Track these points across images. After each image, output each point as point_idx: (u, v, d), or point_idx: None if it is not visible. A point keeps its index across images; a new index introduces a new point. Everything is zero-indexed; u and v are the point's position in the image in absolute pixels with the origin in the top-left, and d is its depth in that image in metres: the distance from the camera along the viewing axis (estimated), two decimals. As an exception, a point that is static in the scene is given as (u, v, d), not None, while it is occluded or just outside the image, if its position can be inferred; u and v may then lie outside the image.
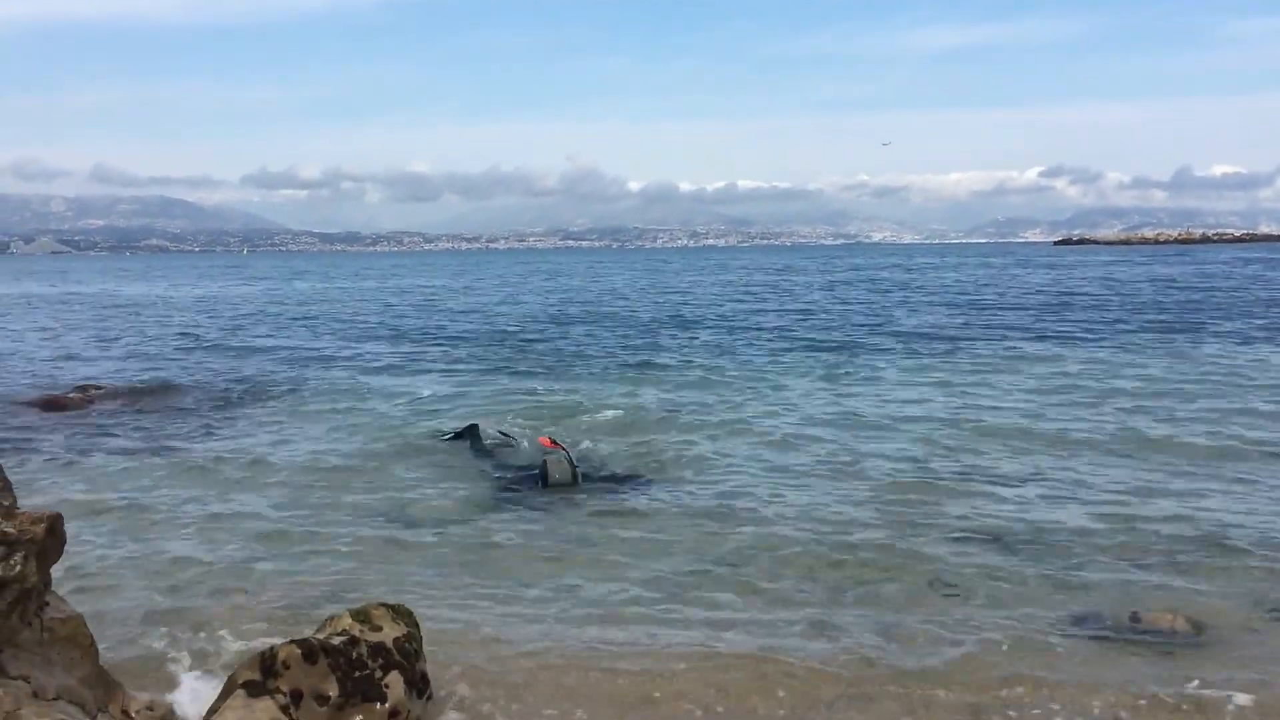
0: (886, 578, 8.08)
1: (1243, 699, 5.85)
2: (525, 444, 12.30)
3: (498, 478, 11.21)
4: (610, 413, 15.29)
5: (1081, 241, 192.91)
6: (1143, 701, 5.88)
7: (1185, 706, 5.83)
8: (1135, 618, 7.16)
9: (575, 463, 10.86)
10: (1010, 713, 5.83)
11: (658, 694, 6.04)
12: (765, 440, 13.02)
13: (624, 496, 10.45)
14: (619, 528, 9.38)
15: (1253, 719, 5.69)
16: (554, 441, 11.39)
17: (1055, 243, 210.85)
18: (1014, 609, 7.40)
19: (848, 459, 11.97)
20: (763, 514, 9.77)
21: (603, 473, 11.33)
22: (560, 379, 19.32)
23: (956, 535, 9.10)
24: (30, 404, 17.00)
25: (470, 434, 12.86)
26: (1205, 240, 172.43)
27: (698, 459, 12.06)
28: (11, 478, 5.36)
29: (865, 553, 8.66)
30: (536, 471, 10.81)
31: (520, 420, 14.64)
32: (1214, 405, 14.96)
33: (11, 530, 4.94)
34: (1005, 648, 6.73)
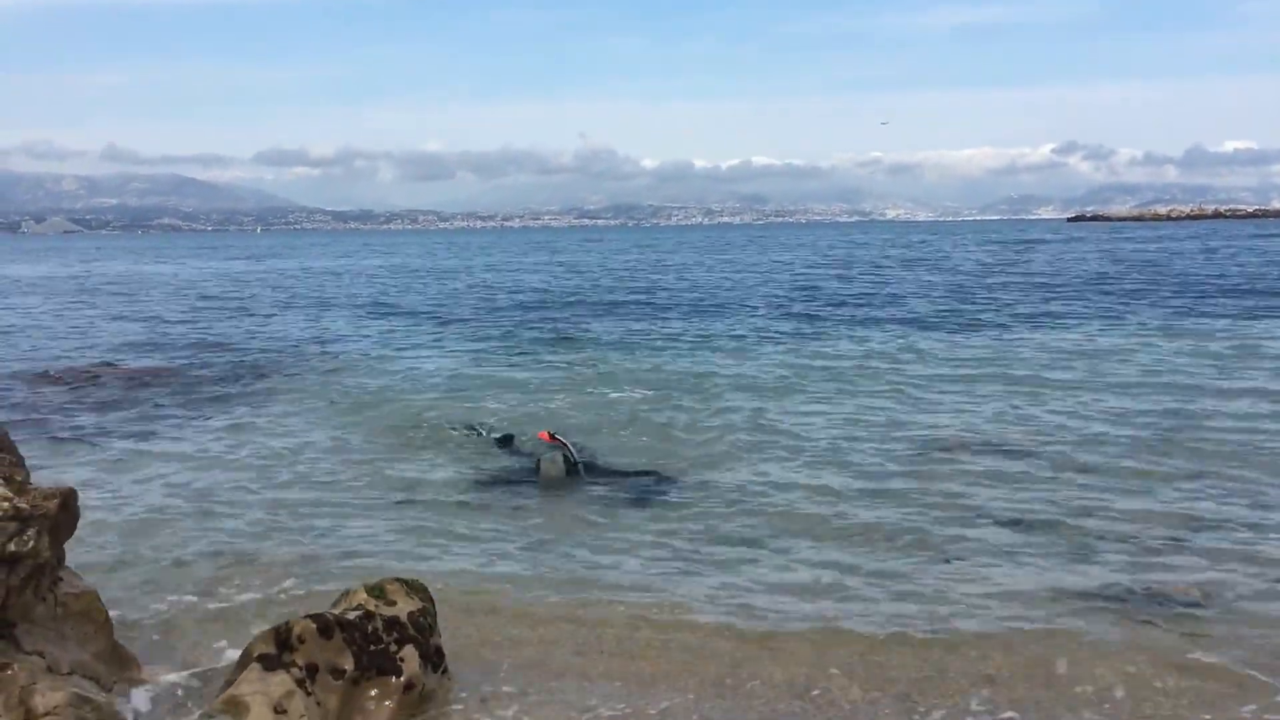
0: (902, 557, 8.07)
1: (1254, 667, 5.88)
2: (527, 439, 11.96)
3: (497, 470, 11.00)
4: (622, 398, 15.12)
5: (1095, 218, 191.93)
6: (1156, 670, 5.88)
7: (1200, 673, 5.85)
8: (1148, 589, 7.18)
9: (575, 458, 10.62)
10: (1025, 682, 5.81)
11: (659, 673, 6.02)
12: (778, 433, 12.62)
13: (624, 491, 10.17)
14: (617, 518, 9.26)
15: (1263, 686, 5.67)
16: (553, 436, 11.11)
17: (1068, 219, 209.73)
18: (1028, 582, 7.41)
19: (860, 446, 11.78)
20: (773, 506, 9.57)
21: (606, 464, 11.06)
22: (571, 363, 19.16)
23: (971, 515, 9.09)
24: (36, 382, 17.07)
25: (506, 442, 12.18)
26: (1218, 216, 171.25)
27: (709, 453, 11.73)
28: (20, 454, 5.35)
29: (878, 534, 8.63)
30: (534, 466, 10.62)
31: (529, 407, 14.53)
32: (1233, 388, 14.88)
33: (25, 505, 4.94)
34: (1016, 610, 6.77)
